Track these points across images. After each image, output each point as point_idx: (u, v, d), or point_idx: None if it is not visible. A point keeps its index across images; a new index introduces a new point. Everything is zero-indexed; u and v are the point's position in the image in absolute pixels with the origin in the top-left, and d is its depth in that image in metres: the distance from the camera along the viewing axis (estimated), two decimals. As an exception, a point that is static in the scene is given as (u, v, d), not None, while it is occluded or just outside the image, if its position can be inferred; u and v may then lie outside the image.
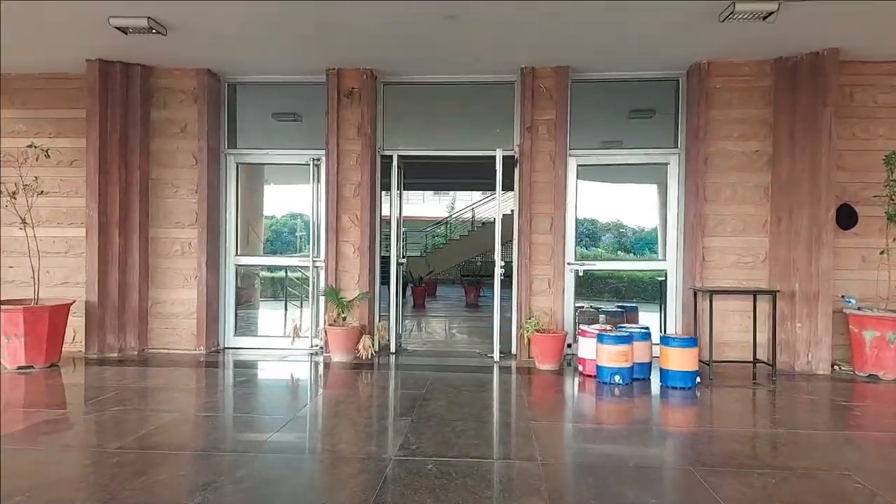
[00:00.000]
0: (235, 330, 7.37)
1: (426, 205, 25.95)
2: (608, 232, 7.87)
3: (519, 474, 3.41)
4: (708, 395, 5.32)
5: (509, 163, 6.85)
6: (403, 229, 7.99)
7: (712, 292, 6.15)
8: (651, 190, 7.63)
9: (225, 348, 7.24)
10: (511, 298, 6.92)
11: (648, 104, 7.08)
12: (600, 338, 5.64)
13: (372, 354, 6.60)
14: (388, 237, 7.70)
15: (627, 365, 5.56)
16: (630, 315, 7.42)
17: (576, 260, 6.90)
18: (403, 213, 7.81)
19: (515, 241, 6.81)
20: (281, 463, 3.56)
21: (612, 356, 5.55)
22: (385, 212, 7.59)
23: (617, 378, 5.53)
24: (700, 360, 5.67)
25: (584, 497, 3.13)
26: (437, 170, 13.79)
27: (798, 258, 6.18)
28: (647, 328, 5.99)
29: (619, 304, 7.67)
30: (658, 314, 7.21)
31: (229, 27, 5.65)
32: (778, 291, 6.19)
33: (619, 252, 7.77)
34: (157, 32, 5.52)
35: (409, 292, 14.32)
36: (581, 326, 6.12)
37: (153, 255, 6.95)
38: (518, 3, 5.07)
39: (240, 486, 3.20)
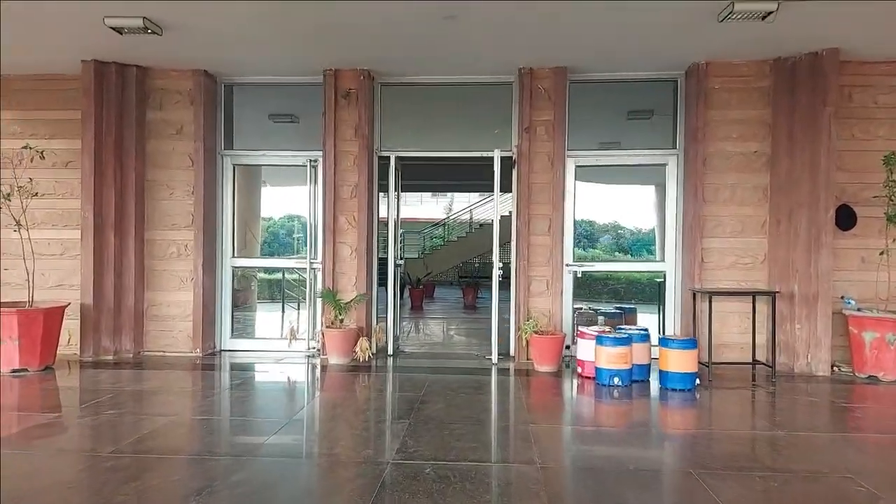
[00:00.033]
0: (232, 332, 7.32)
1: (424, 206, 25.95)
2: (606, 233, 7.85)
3: (518, 478, 3.37)
4: (707, 396, 5.29)
5: (507, 164, 6.81)
6: (401, 231, 7.96)
7: (711, 293, 6.12)
8: (649, 191, 7.61)
9: (221, 351, 7.19)
10: (509, 300, 6.89)
11: (647, 105, 7.06)
12: (599, 339, 5.60)
13: (369, 357, 6.55)
14: (385, 239, 7.67)
15: (626, 367, 5.53)
16: (628, 316, 7.40)
17: (574, 261, 6.87)
18: (401, 215, 7.79)
19: (514, 243, 6.78)
20: (277, 467, 3.52)
21: (611, 358, 5.52)
22: (382, 213, 7.56)
23: (616, 380, 5.49)
24: (699, 362, 5.63)
25: (585, 501, 3.09)
26: (435, 171, 13.81)
27: (797, 259, 6.15)
28: (646, 330, 5.96)
29: (618, 305, 7.65)
30: (656, 316, 7.19)
31: (226, 27, 5.61)
32: (777, 293, 6.16)
33: (615, 253, 7.75)
34: (153, 33, 5.48)
35: (406, 294, 14.27)
36: (580, 328, 6.08)
37: (149, 257, 6.90)
38: (517, 3, 5.04)
39: (234, 492, 3.16)
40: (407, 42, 5.96)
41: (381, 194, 7.37)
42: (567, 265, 6.77)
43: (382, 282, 7.31)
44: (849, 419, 4.77)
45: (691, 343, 5.50)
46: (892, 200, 5.89)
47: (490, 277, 7.05)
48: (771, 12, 5.02)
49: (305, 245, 7.24)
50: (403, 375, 6.14)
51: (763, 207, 6.43)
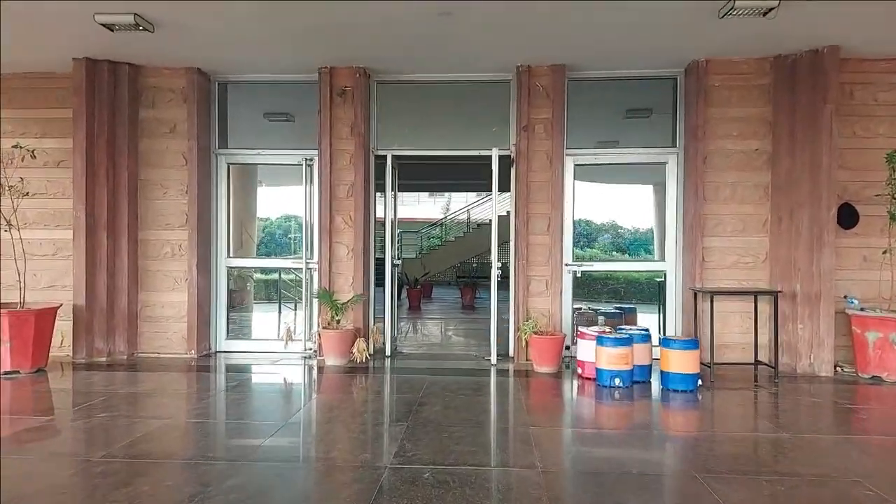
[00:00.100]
0: (227, 333, 7.23)
1: (421, 206, 25.89)
2: (606, 233, 7.78)
3: (519, 483, 3.29)
4: (710, 398, 5.22)
5: (505, 162, 6.74)
6: (398, 231, 7.87)
7: (713, 293, 6.04)
8: (649, 190, 7.54)
9: (216, 352, 7.09)
10: (508, 300, 6.81)
11: (646, 103, 6.99)
12: (600, 340, 5.53)
13: (367, 358, 6.47)
14: (382, 239, 7.59)
15: (628, 367, 5.45)
16: (628, 316, 7.33)
17: (573, 261, 6.80)
18: (398, 215, 7.70)
19: (512, 242, 6.70)
20: (272, 472, 3.43)
21: (611, 359, 5.44)
22: (379, 213, 7.47)
23: (617, 381, 5.42)
24: (700, 363, 5.56)
25: (587, 506, 3.02)
26: (432, 170, 13.75)
27: (799, 258, 6.09)
28: (647, 330, 5.88)
29: (618, 305, 7.57)
30: (657, 315, 7.11)
31: (219, 24, 5.52)
32: (779, 292, 6.09)
33: (613, 253, 7.68)
34: (144, 29, 5.38)
35: (404, 294, 14.19)
36: (580, 328, 6.01)
37: (142, 257, 6.81)
38: (515, 2, 4.97)
39: (228, 497, 3.07)
40: (401, 40, 5.89)
41: (378, 194, 7.29)
42: (566, 265, 6.70)
43: (380, 282, 7.22)
44: (853, 421, 4.71)
45: (693, 343, 5.43)
46: (894, 199, 5.83)
47: (488, 277, 6.98)
48: (772, 8, 4.96)
49: (302, 245, 7.15)
50: (401, 377, 6.05)
51: (764, 206, 6.37)
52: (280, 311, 8.04)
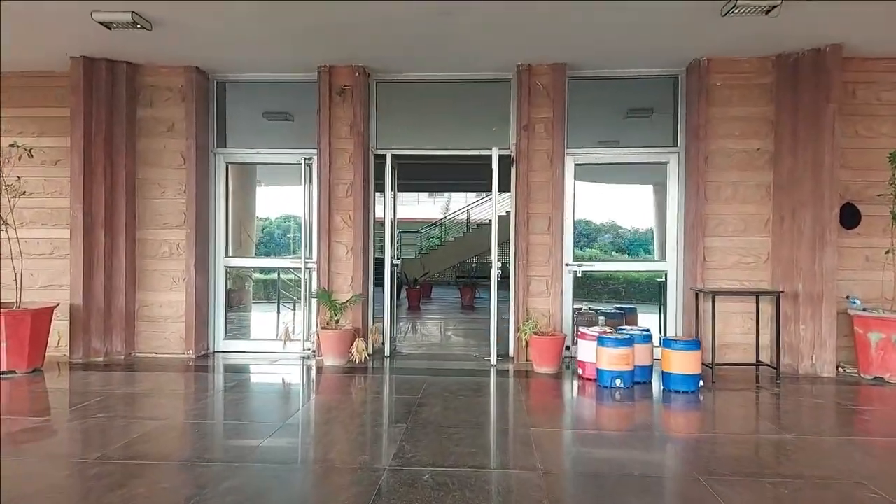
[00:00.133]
0: (225, 333, 7.18)
1: (421, 206, 25.85)
2: (606, 233, 7.74)
3: (519, 485, 3.24)
4: (711, 399, 5.18)
5: (506, 162, 6.70)
6: (398, 231, 7.83)
7: (714, 293, 6.00)
8: (650, 190, 7.50)
9: (214, 352, 7.05)
10: (508, 300, 6.77)
11: (646, 102, 6.95)
12: (601, 340, 5.48)
13: (366, 358, 6.42)
14: (382, 239, 7.54)
15: (629, 368, 5.41)
16: (629, 317, 7.29)
17: (574, 261, 6.75)
18: (398, 215, 7.65)
19: (512, 242, 6.66)
20: (269, 474, 3.39)
21: (612, 359, 5.40)
22: (379, 213, 7.43)
23: (618, 382, 5.37)
24: (702, 363, 5.52)
25: (589, 509, 2.98)
26: (432, 170, 13.71)
27: (801, 258, 6.05)
28: (648, 330, 5.84)
29: (618, 305, 7.54)
30: (657, 316, 7.07)
31: (217, 23, 5.48)
32: (781, 292, 6.05)
33: (612, 253, 7.65)
34: (142, 28, 5.34)
35: (403, 294, 14.15)
36: (580, 329, 5.96)
37: (140, 256, 6.76)
38: (514, 1, 4.94)
39: (225, 500, 3.03)
40: (401, 39, 5.85)
41: (378, 194, 7.25)
42: (567, 265, 6.66)
43: (379, 282, 7.18)
44: (856, 422, 4.67)
45: (695, 344, 5.38)
46: (897, 198, 5.80)
47: (487, 277, 6.94)
48: (775, 6, 4.92)
49: (301, 245, 7.11)
50: (400, 377, 6.01)
51: (766, 206, 6.33)
52: (279, 311, 8.01)
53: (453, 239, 21.46)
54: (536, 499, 3.05)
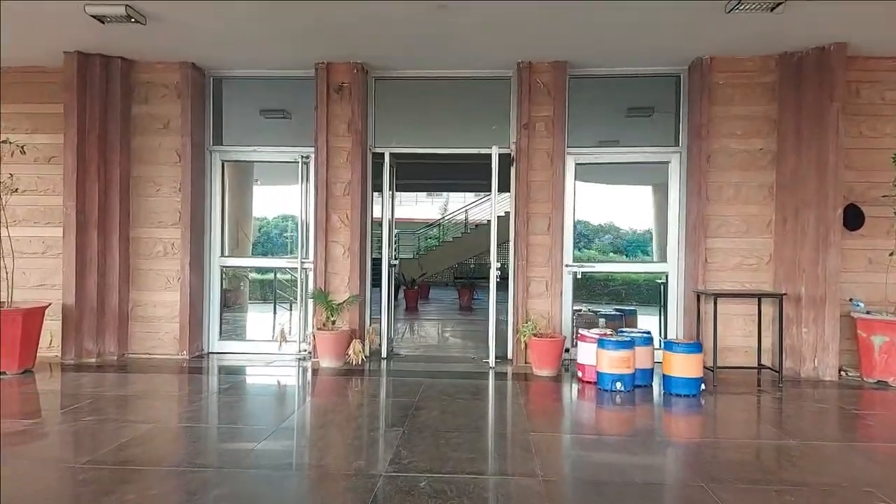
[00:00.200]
0: (221, 334, 7.08)
1: (419, 206, 25.73)
2: (606, 233, 7.67)
3: (519, 492, 3.16)
4: (713, 403, 5.10)
5: (505, 161, 6.61)
6: (396, 231, 7.74)
7: (716, 295, 5.91)
8: (650, 190, 7.44)
9: (209, 353, 6.95)
10: (506, 301, 6.69)
11: (647, 101, 6.87)
12: (601, 343, 5.40)
13: (362, 360, 6.33)
14: (379, 239, 7.45)
15: (629, 371, 5.32)
16: (629, 318, 7.22)
17: (573, 262, 6.67)
18: (396, 215, 7.56)
19: (512, 242, 6.57)
20: (262, 480, 3.30)
21: (613, 362, 5.32)
22: (377, 213, 7.34)
23: (618, 385, 5.29)
24: (703, 366, 5.44)
25: (591, 518, 2.89)
26: (431, 170, 13.61)
27: (804, 259, 5.97)
28: (649, 333, 5.76)
29: (618, 307, 7.46)
30: (657, 317, 7.00)
31: (213, 18, 5.38)
32: (784, 295, 5.97)
33: (611, 254, 7.58)
34: (136, 21, 5.24)
35: (401, 295, 14.06)
36: (580, 331, 5.87)
37: (134, 255, 6.66)
38: (514, 1, 4.87)
39: (216, 507, 2.95)
40: (400, 35, 5.75)
41: (376, 193, 7.16)
42: (567, 266, 6.57)
43: (376, 283, 7.09)
44: (861, 427, 4.59)
45: (696, 347, 5.30)
46: (901, 200, 5.73)
47: (486, 278, 6.85)
48: (780, 3, 4.85)
49: (297, 244, 7.02)
50: (397, 380, 5.92)
51: (769, 206, 6.25)
52: (275, 312, 7.92)
53: (451, 239, 21.39)
54: (536, 507, 2.97)
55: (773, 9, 4.92)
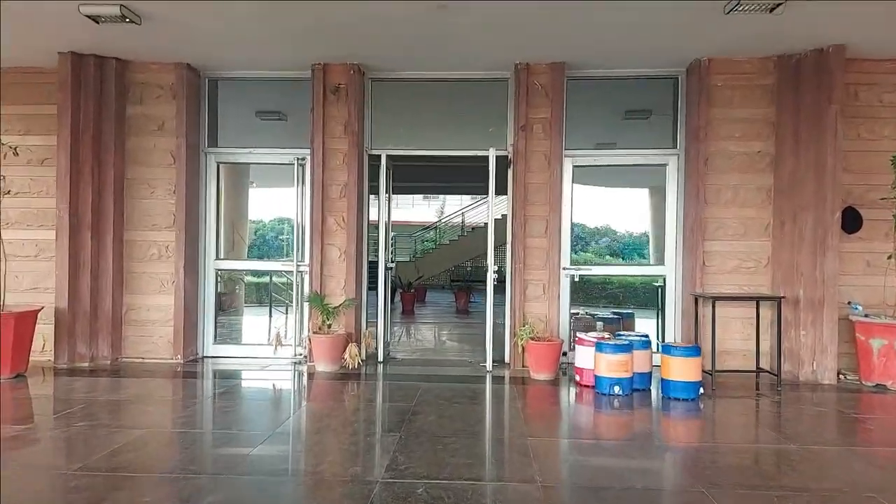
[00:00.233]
0: (215, 338, 7.02)
1: (415, 209, 25.70)
2: (604, 236, 7.64)
3: (517, 498, 3.11)
4: (712, 407, 5.06)
5: (503, 163, 6.57)
6: (392, 233, 7.69)
7: (714, 298, 5.88)
8: (648, 193, 7.41)
9: (204, 357, 6.88)
10: (504, 304, 6.65)
11: (645, 103, 6.84)
12: (599, 346, 5.36)
13: (359, 363, 6.27)
14: (376, 241, 7.41)
15: (627, 375, 5.29)
16: (626, 322, 7.17)
17: (571, 265, 6.63)
18: (392, 218, 7.52)
19: (509, 245, 6.53)
20: (256, 486, 3.25)
21: (611, 366, 5.28)
22: (373, 215, 7.30)
23: (617, 389, 5.25)
24: (701, 370, 5.41)
25: (590, 525, 2.85)
26: (427, 173, 13.56)
27: (802, 262, 5.95)
28: (647, 336, 5.73)
29: (615, 310, 7.42)
30: (655, 321, 6.97)
31: (210, 18, 5.33)
32: (782, 298, 5.94)
33: (606, 257, 7.55)
34: (131, 21, 5.19)
35: (397, 298, 14.01)
36: (578, 334, 5.83)
37: (128, 258, 6.60)
38: (514, 1, 4.84)
39: (209, 515, 2.89)
40: (397, 36, 5.72)
41: (372, 196, 7.11)
42: (564, 268, 6.53)
43: (372, 286, 7.04)
44: (861, 431, 4.56)
45: (695, 350, 5.27)
46: (900, 203, 5.71)
47: (483, 281, 6.81)
48: (779, 4, 4.83)
49: (293, 247, 6.96)
50: (394, 384, 5.87)
51: (767, 209, 6.23)
52: (270, 315, 7.86)
53: (448, 242, 21.36)
54: (535, 514, 2.93)
55: (772, 9, 4.90)
